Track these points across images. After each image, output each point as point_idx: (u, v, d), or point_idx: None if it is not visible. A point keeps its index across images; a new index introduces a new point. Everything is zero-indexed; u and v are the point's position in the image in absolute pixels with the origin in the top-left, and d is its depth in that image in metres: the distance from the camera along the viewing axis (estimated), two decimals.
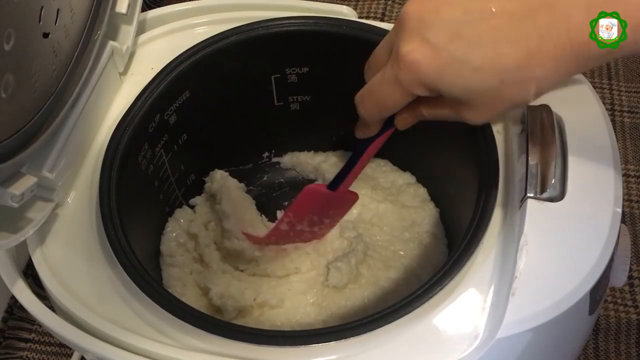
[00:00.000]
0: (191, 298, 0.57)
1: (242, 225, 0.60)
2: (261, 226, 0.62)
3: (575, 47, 0.36)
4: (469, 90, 0.38)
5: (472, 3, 0.37)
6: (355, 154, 0.51)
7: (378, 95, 0.42)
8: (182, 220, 0.61)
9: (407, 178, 0.64)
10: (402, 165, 0.65)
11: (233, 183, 0.64)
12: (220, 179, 0.64)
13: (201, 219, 0.62)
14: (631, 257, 0.46)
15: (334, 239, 0.63)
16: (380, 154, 0.66)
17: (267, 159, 0.69)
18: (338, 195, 0.55)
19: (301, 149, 0.69)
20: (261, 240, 0.60)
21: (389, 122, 0.47)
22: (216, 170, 0.65)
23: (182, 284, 0.58)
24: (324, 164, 0.67)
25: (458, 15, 0.37)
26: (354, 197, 0.58)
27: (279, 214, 0.65)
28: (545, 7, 0.36)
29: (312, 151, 0.69)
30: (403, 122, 0.46)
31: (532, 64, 0.37)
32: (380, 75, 0.41)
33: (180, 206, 0.63)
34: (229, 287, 0.57)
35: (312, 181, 0.69)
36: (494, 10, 0.37)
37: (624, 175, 0.78)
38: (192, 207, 0.64)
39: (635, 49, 0.36)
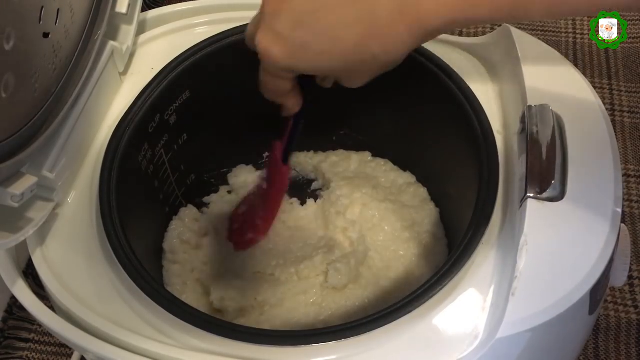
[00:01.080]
0: (191, 296, 0.57)
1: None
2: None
3: (411, 26, 0.39)
4: (321, 69, 0.42)
5: None
6: (294, 128, 0.52)
7: (264, 83, 0.45)
8: (186, 220, 0.61)
9: (407, 178, 0.65)
10: (403, 165, 0.65)
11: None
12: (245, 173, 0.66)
13: (213, 217, 0.63)
14: (631, 257, 0.46)
15: (335, 239, 0.63)
16: (381, 154, 0.66)
17: (267, 159, 0.69)
18: (272, 173, 0.56)
19: (301, 149, 0.69)
20: (238, 244, 0.60)
21: (306, 92, 0.49)
22: (242, 165, 0.67)
23: (182, 282, 0.58)
24: (323, 164, 0.67)
25: (304, 4, 0.40)
26: (286, 170, 0.57)
27: None
28: None
29: (312, 151, 0.69)
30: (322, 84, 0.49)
31: (367, 43, 0.39)
32: (260, 68, 0.44)
33: (182, 205, 0.63)
34: (229, 288, 0.57)
35: (312, 181, 0.69)
36: None
37: (624, 175, 0.78)
38: (198, 206, 0.64)
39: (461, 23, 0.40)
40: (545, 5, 0.38)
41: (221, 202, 0.66)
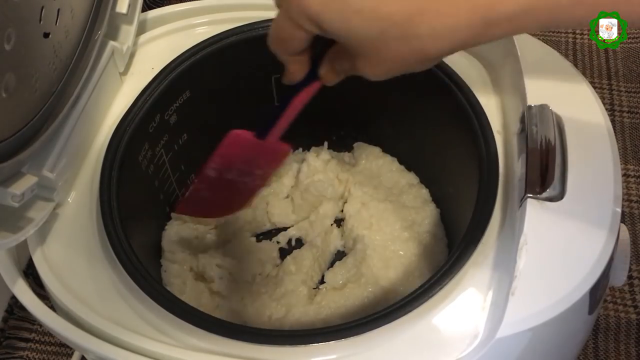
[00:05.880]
0: (190, 295, 0.57)
1: None
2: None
3: (473, 10, 0.34)
4: (350, 32, 0.37)
5: None
6: (282, 102, 0.49)
7: (277, 29, 0.40)
8: (186, 217, 0.61)
9: (410, 179, 0.64)
10: (409, 165, 0.65)
11: None
12: None
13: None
14: (631, 257, 0.46)
15: (334, 238, 0.63)
16: (390, 151, 0.66)
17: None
18: (267, 145, 0.51)
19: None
20: (187, 207, 0.55)
21: (315, 74, 0.45)
22: None
23: (182, 281, 0.58)
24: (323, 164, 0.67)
25: None
26: (285, 148, 0.54)
27: None
28: None
29: (312, 151, 0.69)
30: (326, 76, 0.45)
31: (417, 21, 0.35)
32: (280, 10, 0.40)
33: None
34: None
35: None
36: None
37: (623, 175, 0.78)
38: None
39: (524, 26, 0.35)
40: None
41: None
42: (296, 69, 0.44)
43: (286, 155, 0.54)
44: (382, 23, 0.35)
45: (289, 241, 0.65)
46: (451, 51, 0.36)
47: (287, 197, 0.66)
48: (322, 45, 0.41)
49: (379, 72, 0.39)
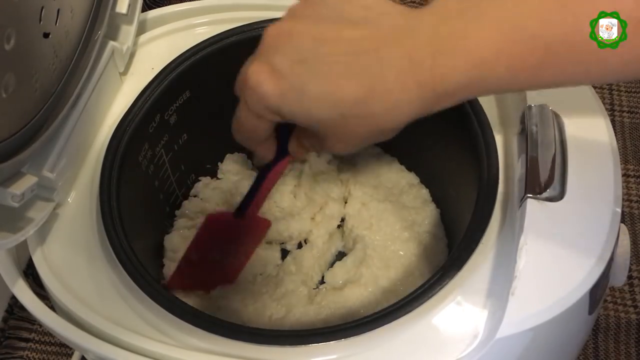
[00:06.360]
0: (191, 294, 0.57)
1: None
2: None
3: (421, 85, 0.35)
4: (311, 118, 0.38)
5: (326, 31, 0.37)
6: (257, 181, 0.50)
7: (239, 122, 0.41)
8: (187, 212, 0.62)
9: (411, 179, 0.64)
10: (409, 165, 0.65)
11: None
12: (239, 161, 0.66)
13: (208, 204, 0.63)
14: (631, 257, 0.46)
15: (335, 239, 0.63)
16: (390, 151, 0.66)
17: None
18: (247, 223, 0.53)
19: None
20: (176, 282, 0.56)
21: (284, 150, 0.46)
22: (235, 153, 0.66)
23: None
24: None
25: (307, 43, 0.36)
26: (265, 223, 0.57)
27: None
28: (393, 41, 0.36)
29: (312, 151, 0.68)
30: (296, 153, 0.46)
31: (370, 101, 0.36)
32: (240, 104, 0.41)
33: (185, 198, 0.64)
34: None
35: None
36: (344, 40, 0.36)
37: (623, 175, 0.78)
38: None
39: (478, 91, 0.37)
40: (574, 71, 0.34)
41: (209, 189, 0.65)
42: (265, 153, 0.45)
43: (267, 229, 0.57)
44: (339, 106, 0.36)
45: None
46: (409, 121, 0.38)
47: (292, 196, 0.66)
48: (287, 123, 0.41)
49: (344, 148, 0.40)
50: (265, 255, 0.62)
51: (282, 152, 0.46)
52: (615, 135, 0.48)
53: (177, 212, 0.62)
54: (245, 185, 0.61)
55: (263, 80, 0.37)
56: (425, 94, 0.36)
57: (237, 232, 0.55)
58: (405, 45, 0.35)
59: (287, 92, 0.37)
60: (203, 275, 0.57)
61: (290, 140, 0.45)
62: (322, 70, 0.36)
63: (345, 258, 0.60)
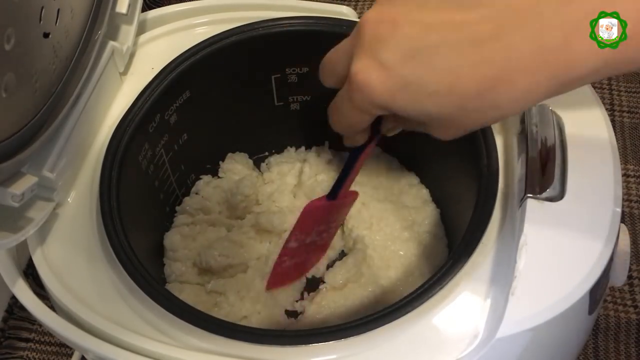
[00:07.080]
0: (191, 294, 0.57)
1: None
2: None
3: (552, 72, 0.33)
4: (425, 114, 0.36)
5: (434, 16, 0.33)
6: (348, 162, 0.51)
7: (341, 112, 0.39)
8: (187, 208, 0.62)
9: (411, 179, 0.64)
10: (409, 165, 0.65)
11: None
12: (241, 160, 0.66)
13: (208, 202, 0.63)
14: (631, 257, 0.46)
15: (336, 239, 0.63)
16: (390, 151, 0.66)
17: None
18: (339, 202, 0.55)
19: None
20: (277, 281, 0.58)
21: (375, 131, 0.46)
22: (237, 152, 0.66)
23: (183, 279, 0.58)
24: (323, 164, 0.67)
25: (414, 31, 0.34)
26: (354, 196, 0.59)
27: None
28: (515, 25, 0.32)
29: (313, 151, 0.68)
30: (388, 132, 0.45)
31: (495, 92, 0.33)
32: (341, 92, 0.39)
33: (187, 194, 0.64)
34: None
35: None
36: (457, 26, 0.33)
37: (623, 175, 0.78)
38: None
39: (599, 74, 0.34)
40: None
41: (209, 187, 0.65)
42: (360, 138, 0.44)
43: (354, 200, 0.59)
44: (459, 100, 0.34)
45: None
46: (526, 109, 0.36)
47: (291, 196, 0.66)
48: None
49: (453, 134, 0.38)
50: (259, 247, 0.61)
51: (373, 133, 0.46)
52: (615, 135, 0.48)
53: (177, 209, 0.62)
54: (246, 185, 0.62)
55: (372, 79, 0.35)
56: (556, 80, 0.33)
57: (331, 211, 0.56)
58: (530, 29, 0.32)
59: (399, 90, 0.35)
60: (299, 262, 0.58)
61: (384, 122, 0.44)
62: (437, 63, 0.33)
63: (345, 258, 0.60)
